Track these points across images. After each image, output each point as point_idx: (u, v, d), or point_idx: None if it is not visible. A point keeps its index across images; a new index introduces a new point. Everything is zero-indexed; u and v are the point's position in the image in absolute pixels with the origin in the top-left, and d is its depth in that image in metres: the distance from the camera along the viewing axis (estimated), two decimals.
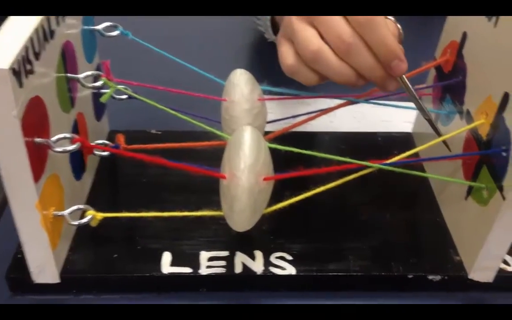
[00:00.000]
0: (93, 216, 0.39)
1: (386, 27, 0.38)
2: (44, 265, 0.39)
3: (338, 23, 0.38)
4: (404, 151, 0.52)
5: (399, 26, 0.43)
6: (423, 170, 0.49)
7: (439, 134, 0.43)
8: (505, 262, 0.41)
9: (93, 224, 0.39)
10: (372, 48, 0.38)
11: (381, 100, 0.47)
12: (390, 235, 0.44)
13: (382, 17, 0.38)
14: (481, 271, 0.40)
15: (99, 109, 0.51)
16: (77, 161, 0.44)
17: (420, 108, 0.42)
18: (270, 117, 0.50)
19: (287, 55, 0.41)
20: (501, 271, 0.40)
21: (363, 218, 0.45)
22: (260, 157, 0.38)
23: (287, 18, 0.41)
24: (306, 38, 0.39)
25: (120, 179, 0.49)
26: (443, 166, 0.45)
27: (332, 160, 0.40)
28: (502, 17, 0.37)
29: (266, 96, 0.47)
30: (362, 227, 0.45)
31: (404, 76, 0.40)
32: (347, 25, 0.38)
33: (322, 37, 0.39)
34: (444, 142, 0.42)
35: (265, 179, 0.38)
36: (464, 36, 0.43)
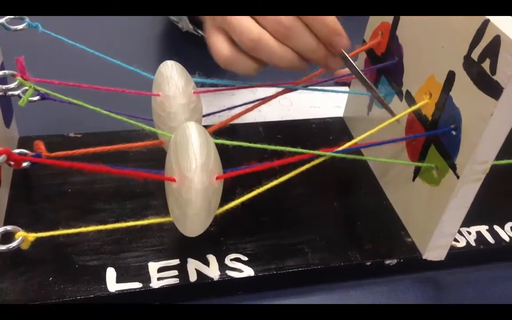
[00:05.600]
0: (23, 237, 0.34)
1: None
2: None
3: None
4: (339, 136, 0.52)
5: None
6: (362, 155, 0.49)
7: (392, 112, 0.43)
8: (454, 239, 0.42)
9: (24, 246, 0.34)
10: (312, 28, 0.37)
11: (314, 86, 0.47)
12: (340, 223, 0.44)
13: None
14: (435, 250, 0.40)
15: (7, 114, 0.44)
16: None
17: (366, 85, 0.42)
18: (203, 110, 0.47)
19: (221, 46, 0.39)
20: (451, 248, 0.41)
21: (312, 209, 0.44)
22: (210, 154, 0.35)
23: None
24: (244, 26, 0.37)
25: (42, 191, 0.43)
26: (384, 149, 0.45)
27: (278, 151, 0.39)
28: None
29: (199, 89, 0.44)
30: (313, 218, 0.43)
31: (346, 54, 0.40)
32: None
33: (258, 23, 0.37)
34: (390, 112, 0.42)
35: (217, 177, 0.36)
36: (397, 17, 0.43)
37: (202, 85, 0.45)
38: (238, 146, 0.39)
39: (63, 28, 0.46)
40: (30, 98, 0.42)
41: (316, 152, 0.38)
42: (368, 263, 0.40)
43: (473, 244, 0.43)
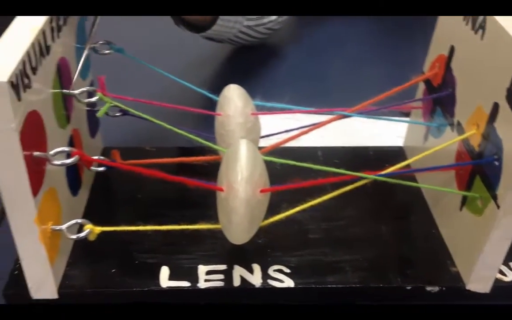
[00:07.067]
0: (91, 230, 0.39)
1: None
2: (42, 281, 0.39)
3: None
4: (395, 165, 0.53)
5: None
6: (416, 183, 0.50)
7: None
8: (501, 273, 0.42)
9: (91, 238, 0.39)
10: None
11: (373, 114, 0.48)
12: (386, 247, 0.45)
13: None
14: (478, 281, 0.40)
15: (93, 125, 0.51)
16: (74, 176, 0.44)
17: None
18: (263, 132, 0.50)
19: None
20: (497, 281, 0.41)
21: (359, 231, 0.46)
22: (256, 169, 0.39)
23: None
24: None
25: (116, 195, 0.49)
26: (436, 179, 0.46)
27: (328, 173, 0.41)
28: (488, 30, 0.38)
29: (259, 111, 0.48)
30: (358, 239, 0.45)
31: None
32: None
33: None
34: None
35: (262, 190, 0.39)
36: (452, 49, 0.44)
37: (262, 108, 0.49)
38: (295, 167, 0.42)
39: (143, 51, 0.52)
40: (113, 114, 0.48)
41: (358, 174, 0.40)
42: (409, 287, 0.41)
43: None
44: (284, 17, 0.73)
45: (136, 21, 0.79)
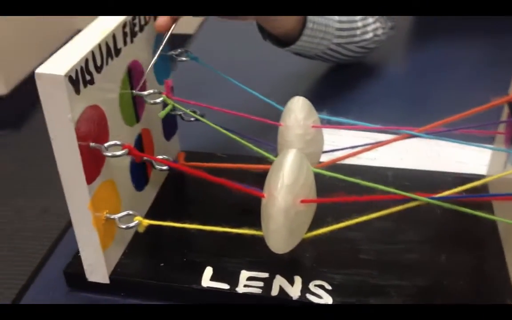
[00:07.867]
0: (139, 221, 0.41)
1: None
2: (95, 264, 0.42)
3: None
4: (471, 193, 0.48)
5: None
6: (492, 213, 0.45)
7: None
8: None
9: (140, 230, 0.41)
10: None
11: (445, 136, 0.45)
12: (441, 276, 0.41)
13: None
14: None
15: (168, 128, 0.54)
16: (139, 173, 0.47)
17: None
18: (329, 147, 0.50)
19: None
20: None
21: (415, 257, 0.43)
22: (300, 179, 0.38)
23: None
24: None
25: (181, 196, 0.52)
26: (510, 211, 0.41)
27: (383, 192, 0.39)
28: None
29: (318, 124, 0.47)
30: (412, 265, 0.42)
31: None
32: None
33: None
34: None
35: (303, 201, 0.38)
36: None
37: (328, 122, 0.48)
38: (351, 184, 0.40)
39: (219, 58, 0.54)
40: (189, 119, 0.50)
41: (409, 194, 0.37)
42: None
43: None
44: (381, 37, 0.71)
45: (240, 39, 0.83)
